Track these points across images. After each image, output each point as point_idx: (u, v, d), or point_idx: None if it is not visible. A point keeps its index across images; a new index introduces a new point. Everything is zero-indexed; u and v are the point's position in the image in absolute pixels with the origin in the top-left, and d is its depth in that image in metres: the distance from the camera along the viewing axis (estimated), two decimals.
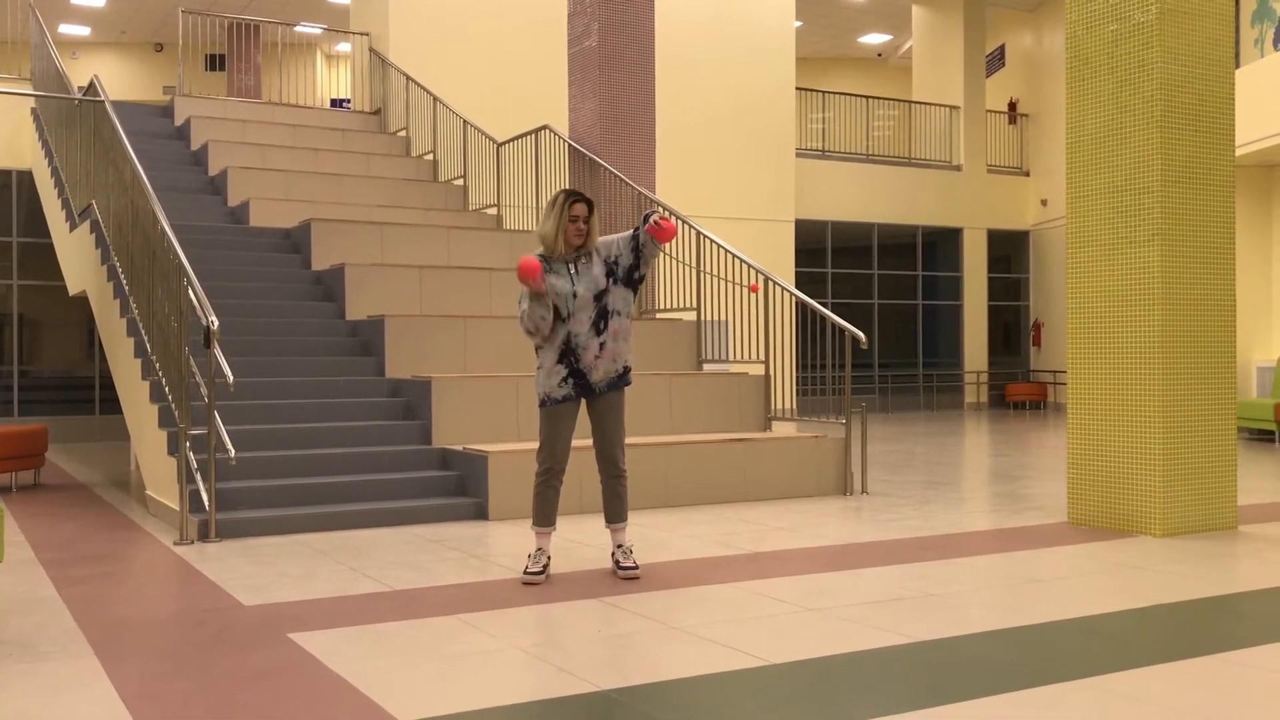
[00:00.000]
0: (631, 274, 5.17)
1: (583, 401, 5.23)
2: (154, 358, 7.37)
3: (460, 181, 12.61)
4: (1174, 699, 3.33)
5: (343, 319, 9.02)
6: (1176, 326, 6.29)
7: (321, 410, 7.80)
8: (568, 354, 5.10)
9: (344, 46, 24.32)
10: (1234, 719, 3.15)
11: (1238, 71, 14.30)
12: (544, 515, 5.16)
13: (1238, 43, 16.19)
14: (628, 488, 5.31)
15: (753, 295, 9.04)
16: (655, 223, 4.98)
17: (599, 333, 5.11)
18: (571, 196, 5.10)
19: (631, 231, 5.20)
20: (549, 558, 5.18)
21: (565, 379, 5.11)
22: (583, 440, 6.46)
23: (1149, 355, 6.27)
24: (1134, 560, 5.55)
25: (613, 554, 5.28)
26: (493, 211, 12.17)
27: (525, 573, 5.10)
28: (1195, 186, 6.36)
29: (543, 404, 5.15)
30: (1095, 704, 3.28)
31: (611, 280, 5.14)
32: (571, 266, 5.11)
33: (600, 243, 5.21)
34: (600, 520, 6.85)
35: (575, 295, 5.06)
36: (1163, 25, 6.25)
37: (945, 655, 3.81)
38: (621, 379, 5.19)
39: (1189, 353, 6.34)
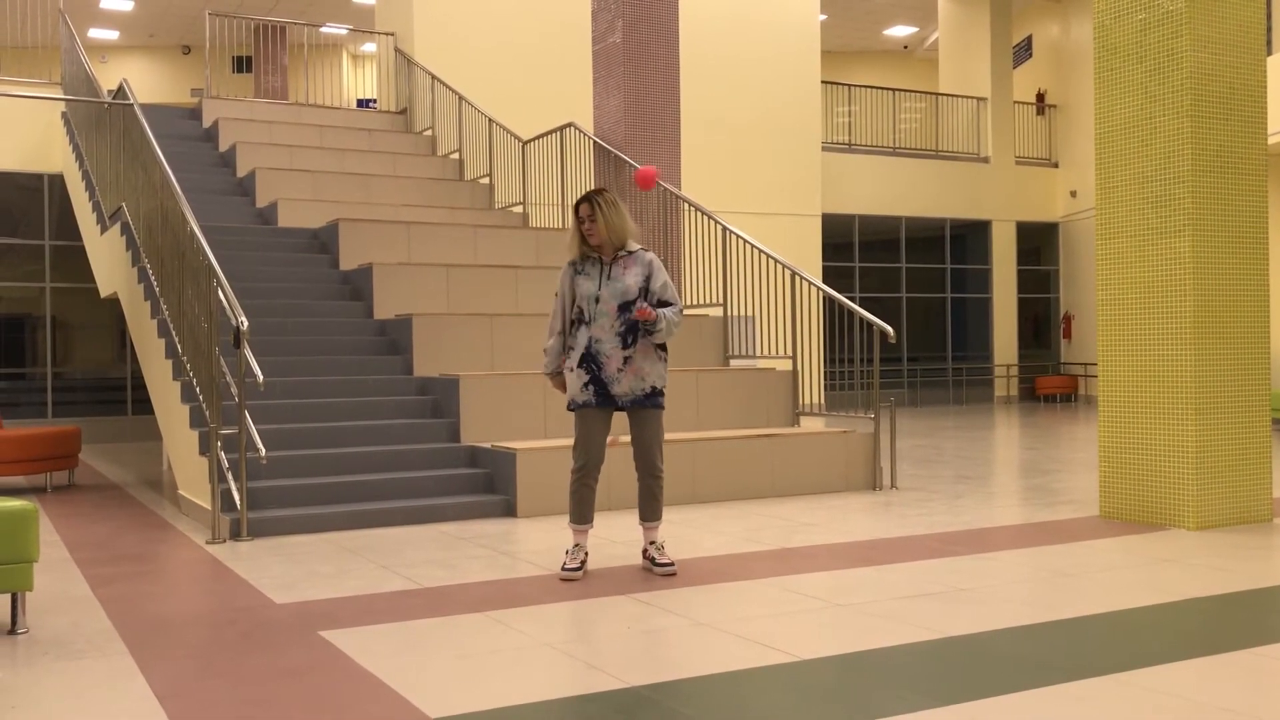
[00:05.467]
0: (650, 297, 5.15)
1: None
2: (185, 358, 7.44)
3: (486, 180, 12.63)
4: (1207, 694, 3.29)
5: (371, 318, 9.07)
6: (1208, 317, 6.22)
7: (350, 409, 7.84)
8: (588, 359, 5.08)
9: (369, 47, 24.43)
10: (1267, 714, 3.11)
11: (1269, 59, 14.11)
12: (581, 513, 5.18)
13: (1269, 30, 15.99)
14: (663, 487, 5.31)
15: (777, 290, 9.00)
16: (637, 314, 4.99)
17: (625, 345, 5.06)
18: (578, 202, 5.14)
19: (647, 283, 5.14)
20: (586, 554, 5.20)
21: (586, 385, 5.09)
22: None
23: (1181, 346, 6.21)
24: (1167, 554, 5.50)
25: (645, 550, 5.29)
26: (518, 210, 12.19)
27: (563, 569, 5.12)
28: (1227, 176, 6.29)
29: (570, 407, 5.19)
30: (1127, 699, 3.25)
31: (643, 295, 5.11)
32: (607, 270, 5.10)
33: (645, 258, 5.16)
34: (628, 517, 6.88)
35: (598, 299, 5.05)
36: (1192, 13, 6.17)
37: (975, 651, 3.79)
38: (650, 399, 5.12)
39: (1221, 344, 6.27)
